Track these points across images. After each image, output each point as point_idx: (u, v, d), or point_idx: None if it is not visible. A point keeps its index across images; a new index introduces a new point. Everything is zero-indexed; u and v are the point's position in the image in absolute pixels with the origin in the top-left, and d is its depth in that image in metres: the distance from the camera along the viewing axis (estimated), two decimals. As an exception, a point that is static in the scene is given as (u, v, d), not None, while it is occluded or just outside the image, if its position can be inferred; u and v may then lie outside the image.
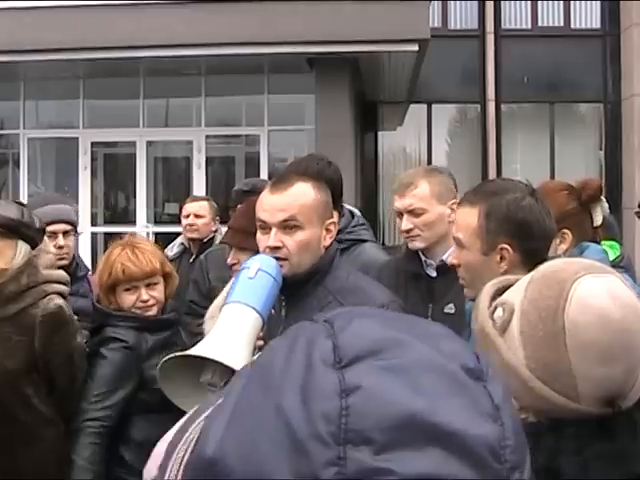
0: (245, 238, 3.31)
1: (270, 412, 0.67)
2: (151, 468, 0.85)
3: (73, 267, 4.22)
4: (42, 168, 13.98)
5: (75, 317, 3.95)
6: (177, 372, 2.09)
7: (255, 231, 3.00)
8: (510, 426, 0.70)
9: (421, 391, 0.67)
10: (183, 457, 0.77)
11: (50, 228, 4.00)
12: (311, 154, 4.78)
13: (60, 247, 4.12)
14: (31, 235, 3.42)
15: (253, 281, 2.36)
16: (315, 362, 0.69)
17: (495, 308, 1.56)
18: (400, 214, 3.47)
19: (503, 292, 1.62)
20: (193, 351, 2.09)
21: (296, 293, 2.70)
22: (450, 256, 2.64)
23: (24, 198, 12.78)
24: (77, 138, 13.11)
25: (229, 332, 2.18)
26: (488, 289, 1.66)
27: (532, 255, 2.40)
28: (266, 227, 2.71)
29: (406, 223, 3.42)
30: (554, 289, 1.48)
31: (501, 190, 2.54)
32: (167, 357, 2.09)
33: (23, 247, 3.40)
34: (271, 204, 2.72)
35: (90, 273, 4.62)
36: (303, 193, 2.73)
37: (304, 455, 0.64)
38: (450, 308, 3.30)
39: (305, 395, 0.67)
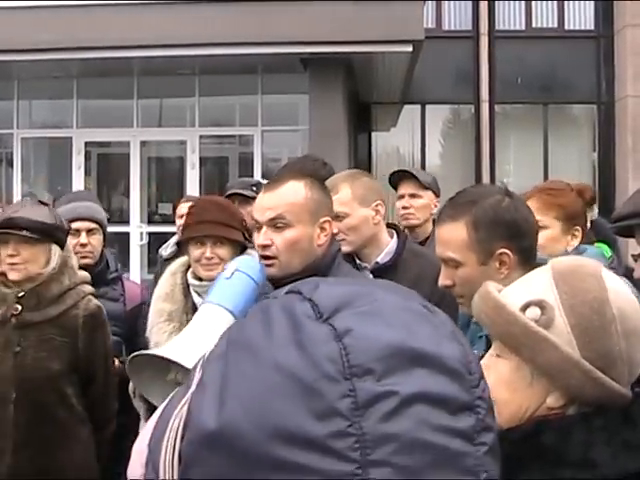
0: (223, 229, 3.31)
1: (269, 371, 0.75)
2: (134, 467, 0.86)
3: (101, 268, 4.14)
4: (35, 168, 13.96)
5: None
6: (146, 367, 2.12)
7: (228, 224, 3.15)
8: (467, 345, 0.82)
9: (396, 326, 0.78)
10: (174, 447, 0.80)
11: (73, 225, 3.97)
12: (307, 155, 4.80)
13: (83, 245, 4.05)
14: (62, 237, 3.48)
15: (229, 281, 2.37)
16: (301, 319, 0.78)
17: (525, 309, 1.58)
18: None
19: None
20: (156, 351, 2.16)
21: None
22: (440, 279, 2.49)
23: (17, 197, 12.77)
24: (71, 138, 13.09)
25: (197, 333, 2.20)
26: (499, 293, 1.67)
27: (528, 253, 2.38)
28: (258, 226, 2.74)
29: None
30: (590, 282, 1.56)
31: (479, 197, 2.45)
32: (135, 354, 2.13)
33: (57, 250, 3.46)
34: (262, 203, 2.77)
35: (125, 275, 4.51)
36: (293, 192, 2.75)
37: (318, 395, 0.73)
38: None
39: (302, 346, 0.75)
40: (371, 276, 3.38)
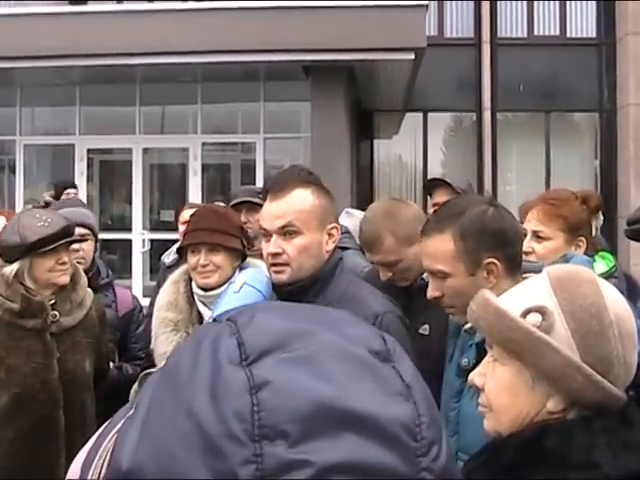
0: (218, 236, 3.30)
1: (181, 417, 0.66)
2: None
3: (93, 275, 4.11)
4: (38, 174, 13.98)
5: None
6: None
7: (223, 231, 3.14)
8: (423, 403, 0.70)
9: (329, 379, 0.67)
10: (100, 473, 0.75)
11: None
12: (294, 165, 4.80)
13: (75, 250, 3.96)
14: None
15: (237, 295, 2.36)
16: (221, 361, 0.68)
17: (525, 315, 1.61)
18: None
19: None
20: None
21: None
22: (429, 291, 2.51)
23: (20, 204, 12.79)
24: (73, 145, 13.13)
25: None
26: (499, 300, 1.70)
27: (513, 261, 2.40)
28: (267, 235, 2.74)
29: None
30: (587, 288, 1.60)
31: (464, 208, 2.47)
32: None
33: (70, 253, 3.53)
34: (270, 211, 2.76)
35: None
36: (301, 199, 2.75)
37: (220, 456, 0.63)
38: (424, 329, 3.24)
39: (214, 395, 0.66)
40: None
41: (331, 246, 2.79)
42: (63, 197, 7.67)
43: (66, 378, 3.38)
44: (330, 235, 2.79)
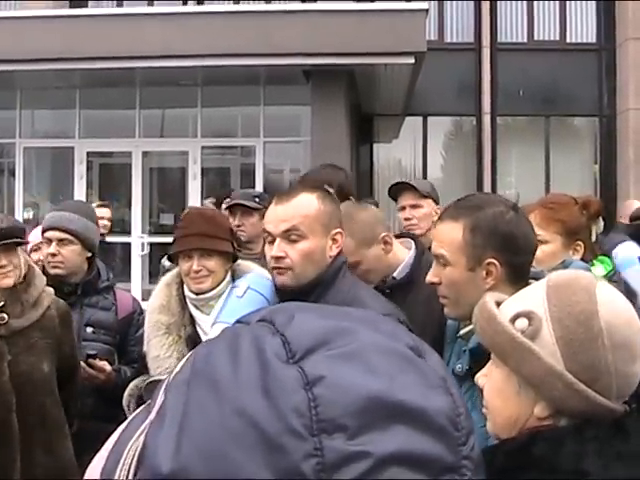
0: (210, 241, 3.28)
1: (231, 417, 0.67)
2: None
3: (92, 277, 4.08)
4: (38, 177, 13.98)
5: (90, 329, 3.98)
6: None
7: (214, 235, 3.14)
8: (458, 395, 0.73)
9: (377, 373, 0.69)
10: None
11: (46, 235, 3.97)
12: (327, 164, 4.81)
13: (52, 255, 3.95)
14: (22, 241, 3.49)
15: (241, 300, 2.35)
16: (270, 359, 0.69)
17: (514, 319, 1.59)
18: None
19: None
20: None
21: None
22: (429, 275, 2.49)
23: (19, 207, 12.79)
24: (73, 148, 13.13)
25: None
26: (495, 303, 1.68)
27: (517, 270, 2.36)
28: (271, 238, 2.74)
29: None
30: (581, 295, 1.56)
31: (484, 204, 2.45)
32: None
33: (22, 254, 3.48)
34: (275, 215, 2.76)
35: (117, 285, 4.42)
36: (307, 204, 2.75)
37: (281, 452, 0.64)
38: None
39: (268, 393, 0.67)
40: (388, 291, 3.29)
41: (335, 251, 2.79)
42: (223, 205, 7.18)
43: (20, 381, 3.33)
44: (334, 240, 2.79)
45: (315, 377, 0.67)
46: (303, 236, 2.71)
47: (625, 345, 1.53)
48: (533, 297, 1.62)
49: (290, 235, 2.71)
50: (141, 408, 0.81)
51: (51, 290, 3.58)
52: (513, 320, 1.59)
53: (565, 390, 1.52)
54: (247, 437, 0.66)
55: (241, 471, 0.65)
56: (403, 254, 3.44)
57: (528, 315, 1.57)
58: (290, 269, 2.70)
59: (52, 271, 3.93)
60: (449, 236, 2.43)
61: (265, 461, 0.64)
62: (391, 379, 0.69)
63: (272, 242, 2.74)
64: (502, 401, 1.61)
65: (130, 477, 0.73)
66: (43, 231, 4.01)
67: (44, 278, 3.59)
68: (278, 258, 2.70)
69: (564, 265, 3.06)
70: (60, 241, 3.98)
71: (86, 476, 0.80)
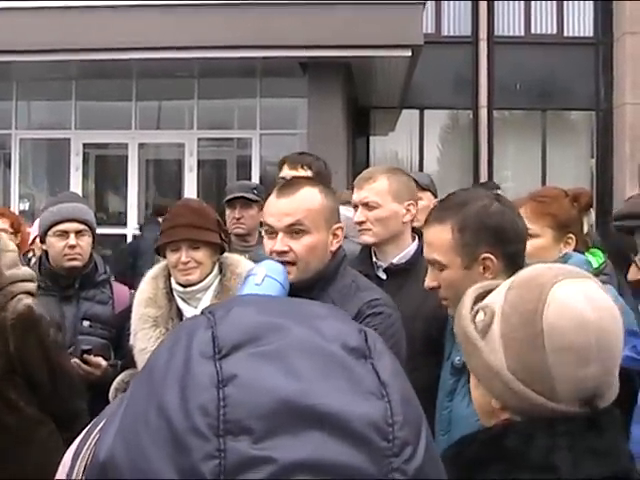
0: (198, 232, 3.27)
1: (152, 411, 0.65)
2: (60, 478, 0.83)
3: (90, 271, 4.03)
4: (33, 169, 13.96)
5: (87, 323, 3.90)
6: None
7: (202, 226, 3.15)
8: (399, 402, 0.68)
9: (296, 375, 0.66)
10: (86, 465, 0.75)
11: (61, 227, 3.91)
12: (304, 152, 4.82)
13: (72, 247, 3.90)
14: None
15: (260, 288, 2.31)
16: (193, 355, 0.67)
17: (477, 312, 1.57)
18: (356, 207, 3.40)
19: (485, 297, 1.63)
20: None
21: None
22: (426, 281, 2.51)
23: (15, 199, 12.77)
24: (69, 139, 13.10)
25: None
26: (471, 293, 1.66)
27: (513, 259, 2.38)
28: (273, 232, 2.70)
29: (359, 215, 3.35)
30: (533, 293, 1.51)
31: (467, 201, 2.46)
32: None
33: None
34: (278, 208, 2.72)
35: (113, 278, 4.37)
36: (310, 198, 2.73)
37: (184, 450, 0.63)
38: None
39: (184, 389, 0.65)
40: (385, 276, 3.32)
41: (335, 246, 2.78)
42: None
43: None
44: (335, 235, 2.77)
45: (229, 376, 0.65)
46: (307, 230, 2.68)
47: (570, 348, 1.46)
48: (500, 290, 1.60)
49: (294, 229, 2.67)
50: (112, 403, 0.82)
51: (18, 288, 3.33)
52: (475, 313, 1.58)
53: (502, 388, 1.50)
54: (160, 433, 0.64)
55: (150, 467, 0.63)
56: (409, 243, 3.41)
57: (485, 309, 1.56)
58: (293, 264, 2.66)
59: (70, 263, 3.90)
60: (439, 239, 2.44)
61: (171, 458, 0.63)
62: (309, 382, 0.65)
63: (272, 236, 2.71)
64: (474, 389, 1.62)
65: (89, 462, 0.74)
66: (55, 223, 3.93)
67: (10, 277, 3.33)
68: (281, 252, 2.66)
69: (564, 259, 3.06)
70: (78, 232, 3.96)
71: (64, 457, 0.82)
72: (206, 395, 0.64)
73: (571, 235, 3.17)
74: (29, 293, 3.38)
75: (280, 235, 2.67)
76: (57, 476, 0.84)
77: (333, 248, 2.77)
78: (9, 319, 3.26)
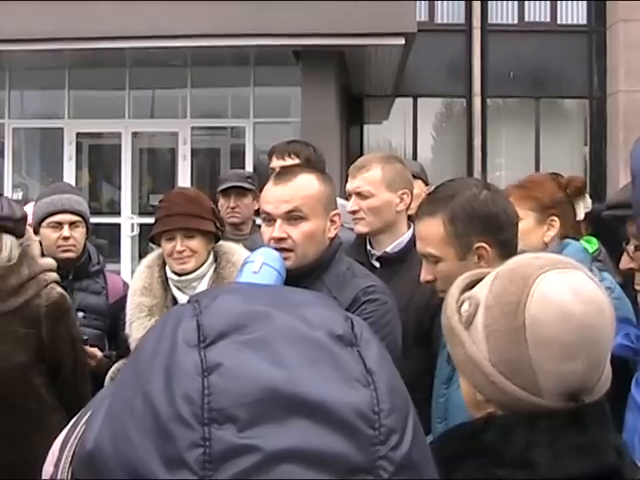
0: (193, 220, 3.27)
1: (137, 399, 0.66)
2: (48, 467, 0.84)
3: (84, 261, 4.04)
4: (27, 158, 13.93)
5: (81, 314, 3.91)
6: None
7: (197, 215, 3.14)
8: (385, 390, 0.68)
9: (281, 363, 0.65)
10: (73, 453, 0.76)
11: (55, 218, 3.92)
12: (296, 140, 4.82)
13: (65, 238, 3.93)
14: (13, 226, 3.32)
15: (257, 276, 2.31)
16: (178, 343, 0.67)
17: (462, 302, 1.55)
18: (349, 196, 3.41)
19: (474, 286, 1.61)
20: None
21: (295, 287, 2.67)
22: (422, 275, 2.51)
23: (9, 188, 12.74)
24: (62, 128, 13.07)
25: None
26: (459, 283, 1.64)
27: (507, 246, 2.38)
28: (270, 219, 2.70)
29: (352, 204, 3.35)
30: (517, 284, 1.47)
31: (456, 191, 2.46)
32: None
33: (9, 240, 3.32)
34: (275, 195, 2.71)
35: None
36: (307, 184, 2.73)
37: (169, 439, 0.63)
38: None
39: (168, 378, 0.65)
40: (378, 264, 3.33)
41: (333, 233, 2.78)
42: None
43: None
44: (332, 222, 2.78)
45: (213, 364, 0.65)
46: (305, 217, 2.68)
47: (553, 342, 1.42)
48: (487, 280, 1.56)
49: (292, 216, 2.67)
50: (100, 392, 0.82)
51: (50, 277, 3.44)
52: (461, 303, 1.55)
53: (483, 380, 1.47)
54: (145, 421, 0.64)
55: (135, 455, 0.63)
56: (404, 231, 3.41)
57: (469, 299, 1.53)
58: (292, 251, 2.67)
59: (64, 255, 3.90)
60: (431, 233, 2.43)
61: (155, 447, 0.63)
62: (294, 370, 0.65)
63: (270, 223, 2.71)
64: (462, 382, 1.59)
65: (77, 451, 0.74)
66: (49, 214, 3.93)
67: (42, 265, 3.45)
68: (280, 239, 2.66)
69: (562, 247, 3.06)
70: (72, 224, 3.97)
71: (54, 444, 0.83)
72: (191, 384, 0.64)
73: (554, 217, 3.14)
74: (57, 282, 3.46)
75: (278, 222, 2.67)
76: (45, 465, 0.85)
77: (331, 235, 2.77)
78: (43, 306, 3.34)
